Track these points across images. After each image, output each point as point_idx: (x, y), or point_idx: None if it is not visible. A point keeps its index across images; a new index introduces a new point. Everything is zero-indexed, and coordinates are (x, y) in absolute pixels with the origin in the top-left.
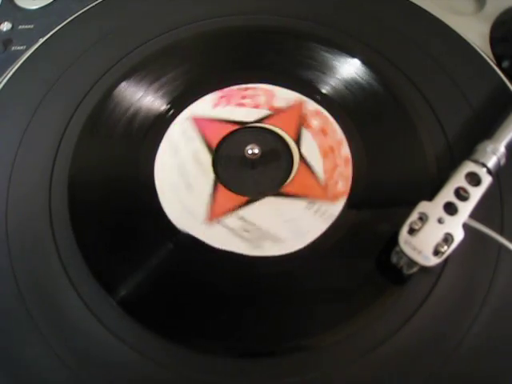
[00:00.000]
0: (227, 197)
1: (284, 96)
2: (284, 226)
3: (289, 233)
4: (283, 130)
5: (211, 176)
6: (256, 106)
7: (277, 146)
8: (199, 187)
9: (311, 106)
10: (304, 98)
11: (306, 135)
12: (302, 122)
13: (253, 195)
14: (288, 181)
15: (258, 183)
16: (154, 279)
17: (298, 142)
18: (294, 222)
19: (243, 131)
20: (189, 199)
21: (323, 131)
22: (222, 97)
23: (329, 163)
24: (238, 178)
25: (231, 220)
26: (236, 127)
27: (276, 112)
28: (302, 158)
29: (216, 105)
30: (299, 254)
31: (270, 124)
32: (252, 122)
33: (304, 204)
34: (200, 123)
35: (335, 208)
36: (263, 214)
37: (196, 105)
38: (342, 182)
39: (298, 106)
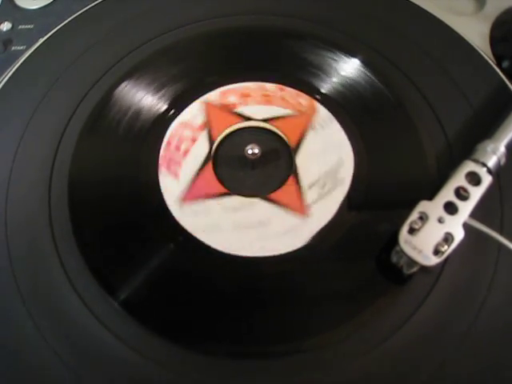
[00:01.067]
0: (283, 192)
1: (193, 113)
2: (328, 154)
3: (336, 152)
4: (228, 126)
5: (257, 201)
6: (194, 140)
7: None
8: (266, 215)
9: (212, 96)
10: (202, 98)
11: (242, 109)
12: (227, 108)
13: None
14: (287, 140)
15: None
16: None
17: (247, 118)
18: (326, 145)
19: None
20: (274, 228)
21: (245, 95)
22: (169, 167)
23: (277, 102)
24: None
25: (310, 195)
26: (210, 163)
27: (208, 125)
28: (265, 120)
29: (176, 175)
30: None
31: (219, 134)
32: (211, 149)
33: (312, 133)
34: (192, 196)
35: (323, 112)
36: (311, 167)
37: (167, 192)
38: (300, 99)
39: (208, 105)
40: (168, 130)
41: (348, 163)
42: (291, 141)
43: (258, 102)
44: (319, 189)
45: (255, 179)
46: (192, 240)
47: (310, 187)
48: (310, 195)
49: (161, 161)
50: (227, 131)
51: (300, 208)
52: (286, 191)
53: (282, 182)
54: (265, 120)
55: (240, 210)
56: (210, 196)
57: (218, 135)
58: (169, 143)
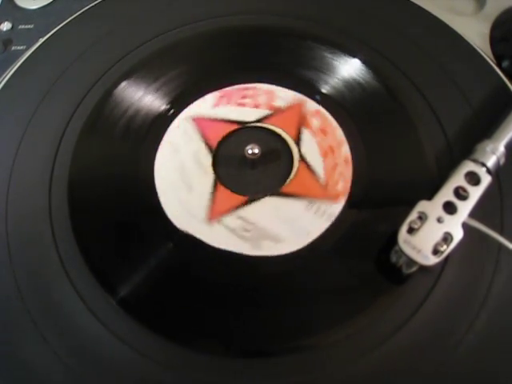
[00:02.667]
0: (227, 196)
1: (284, 96)
2: (284, 226)
3: (289, 232)
4: (283, 130)
5: (211, 176)
6: (256, 106)
7: (277, 145)
8: (199, 187)
9: (311, 105)
10: (304, 98)
11: (306, 135)
12: (302, 122)
13: (253, 195)
14: (288, 181)
15: (258, 183)
16: (153, 279)
17: (298, 141)
18: (293, 222)
19: (243, 131)
20: (189, 199)
21: (323, 131)
22: (221, 96)
23: (329, 163)
24: (238, 177)
25: (231, 220)
26: (236, 127)
27: (276, 112)
28: (302, 157)
29: (216, 104)
30: (299, 254)
31: (270, 124)
32: (252, 122)
33: (304, 204)
34: (200, 123)
35: (335, 208)
36: (263, 213)
37: (196, 105)
38: (342, 181)
39: (298, 105)
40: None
41: (280, 247)
42: (288, 187)
43: (321, 145)
44: (240, 227)
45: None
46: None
47: (239, 218)
48: (230, 220)
49: (224, 89)
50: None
51: (214, 215)
52: (230, 197)
53: (238, 191)
54: (302, 157)
55: (197, 166)
56: (204, 139)
57: (269, 124)
58: (245, 89)
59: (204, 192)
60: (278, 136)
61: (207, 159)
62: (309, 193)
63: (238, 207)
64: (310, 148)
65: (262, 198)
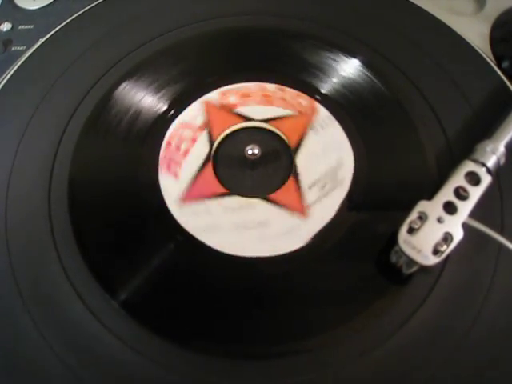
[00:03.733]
0: (283, 193)
1: (193, 113)
2: (328, 154)
3: (336, 152)
4: (228, 126)
5: (257, 201)
6: (194, 140)
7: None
8: (266, 215)
9: (212, 96)
10: (203, 98)
11: (242, 110)
12: (227, 108)
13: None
14: (287, 141)
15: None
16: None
17: (247, 118)
18: (326, 146)
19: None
20: (274, 229)
21: (245, 95)
22: (169, 167)
23: (277, 102)
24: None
25: (310, 195)
26: (210, 163)
27: (208, 125)
28: (265, 121)
29: (176, 175)
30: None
31: (219, 134)
32: (211, 149)
33: (312, 134)
34: (192, 196)
35: (323, 113)
36: (311, 168)
37: (167, 192)
38: (301, 99)
39: (208, 105)
40: (168, 129)
41: (348, 163)
42: (291, 141)
43: (257, 102)
44: (319, 189)
45: (255, 179)
46: (192, 240)
47: (310, 187)
48: (309, 195)
49: (161, 161)
50: (227, 132)
51: (300, 208)
52: (285, 191)
53: (281, 183)
54: (265, 120)
55: (240, 211)
56: (210, 196)
57: (219, 135)
58: (169, 143)
59: (273, 212)
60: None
61: (237, 199)
62: (302, 127)
63: (298, 187)
64: (258, 112)
65: (295, 165)
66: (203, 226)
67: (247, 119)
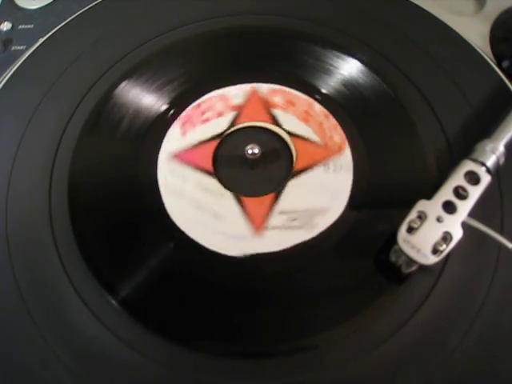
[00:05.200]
0: (256, 202)
1: (236, 93)
2: (320, 196)
3: (328, 199)
4: (257, 121)
5: (229, 195)
6: (220, 114)
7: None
8: (226, 210)
9: (263, 88)
10: (254, 85)
11: (279, 113)
12: (267, 105)
13: (275, 188)
14: (294, 160)
15: (270, 177)
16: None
17: (277, 123)
18: (325, 188)
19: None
20: (224, 226)
21: (290, 102)
22: (184, 123)
23: (314, 125)
24: (247, 181)
25: (275, 219)
26: (216, 142)
27: (240, 109)
28: (289, 133)
29: (183, 133)
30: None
31: (244, 122)
32: (227, 130)
33: (320, 170)
34: (182, 158)
35: (346, 157)
36: (296, 197)
37: (167, 142)
38: (336, 134)
39: (254, 93)
40: (206, 94)
41: (331, 216)
42: (298, 164)
43: (297, 114)
44: (287, 220)
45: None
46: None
47: (281, 213)
48: (275, 220)
49: (182, 115)
50: (249, 124)
51: (258, 224)
52: (258, 202)
53: (262, 192)
54: (290, 133)
55: (207, 192)
56: (196, 167)
57: (242, 123)
58: (199, 105)
59: (234, 212)
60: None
61: (214, 183)
62: (317, 158)
63: (271, 206)
64: (290, 122)
65: (285, 186)
66: (172, 187)
67: (277, 124)
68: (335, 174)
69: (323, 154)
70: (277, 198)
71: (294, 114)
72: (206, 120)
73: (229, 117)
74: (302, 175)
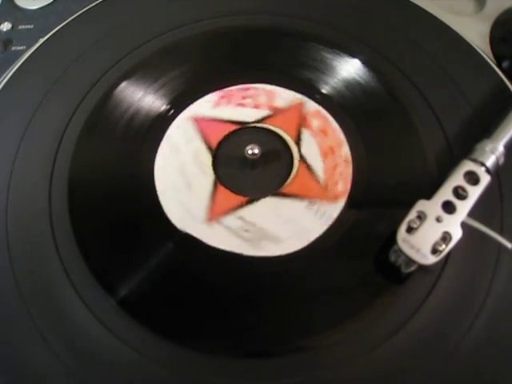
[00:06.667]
0: (227, 197)
1: (284, 96)
2: (284, 226)
3: (289, 233)
4: (283, 130)
5: (211, 176)
6: (256, 106)
7: (277, 146)
8: (199, 187)
9: (311, 106)
10: (304, 99)
11: (307, 135)
12: (302, 123)
13: (253, 195)
14: (288, 181)
15: (258, 183)
16: (153, 279)
17: (298, 142)
18: (294, 223)
19: (243, 131)
20: (189, 199)
21: (323, 131)
22: (222, 97)
23: (329, 163)
24: (237, 178)
25: (231, 220)
26: (236, 127)
27: (276, 112)
28: (302, 158)
29: (216, 105)
30: (299, 253)
31: (271, 124)
32: (252, 122)
33: (304, 204)
34: (200, 123)
35: (335, 208)
36: (263, 214)
37: (196, 105)
38: (342, 182)
39: (299, 106)
40: (251, 84)
41: (278, 248)
42: (290, 187)
43: (321, 146)
44: (240, 227)
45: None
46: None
47: (239, 218)
48: (230, 220)
49: (225, 89)
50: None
51: (214, 214)
52: (229, 197)
53: (239, 191)
54: (302, 157)
55: (197, 165)
56: (205, 139)
57: (270, 124)
58: (245, 89)
59: (204, 192)
60: (278, 136)
61: (207, 159)
62: (309, 193)
63: (237, 207)
64: (310, 148)
65: (263, 198)
66: (175, 141)
67: (297, 143)
68: (313, 217)
69: (317, 194)
70: (247, 203)
71: (319, 144)
72: (242, 105)
73: (262, 113)
74: (285, 199)
